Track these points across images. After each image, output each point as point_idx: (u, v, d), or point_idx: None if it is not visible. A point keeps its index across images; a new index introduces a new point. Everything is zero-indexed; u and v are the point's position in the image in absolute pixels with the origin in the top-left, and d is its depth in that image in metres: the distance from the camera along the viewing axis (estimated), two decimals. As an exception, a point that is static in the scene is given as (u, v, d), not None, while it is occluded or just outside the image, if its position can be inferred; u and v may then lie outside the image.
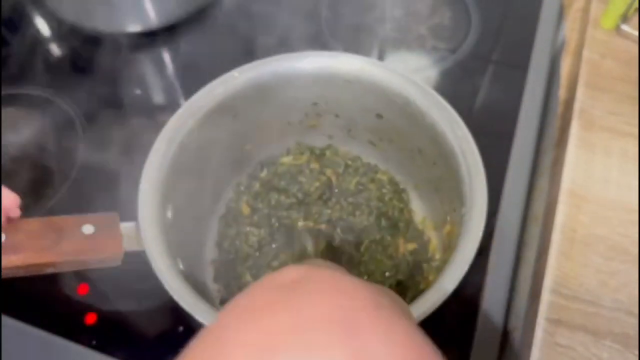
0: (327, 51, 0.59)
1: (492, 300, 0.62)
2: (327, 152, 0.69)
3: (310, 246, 0.64)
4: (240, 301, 0.24)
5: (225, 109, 0.58)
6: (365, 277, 0.63)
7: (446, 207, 0.58)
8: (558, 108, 0.76)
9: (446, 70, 0.83)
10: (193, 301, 0.45)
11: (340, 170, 0.70)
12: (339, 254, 0.64)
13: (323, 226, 0.65)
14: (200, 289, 0.51)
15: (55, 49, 0.90)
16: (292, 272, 0.24)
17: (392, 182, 0.70)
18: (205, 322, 0.43)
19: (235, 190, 0.71)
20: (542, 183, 0.72)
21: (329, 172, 0.70)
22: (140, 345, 0.57)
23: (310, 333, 0.20)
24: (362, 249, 0.64)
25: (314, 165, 0.68)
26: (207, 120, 0.57)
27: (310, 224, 0.66)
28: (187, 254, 0.54)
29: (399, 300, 0.27)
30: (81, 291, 0.60)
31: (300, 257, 0.64)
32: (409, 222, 0.67)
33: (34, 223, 0.43)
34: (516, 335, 0.62)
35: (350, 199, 0.67)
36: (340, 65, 0.58)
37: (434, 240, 0.65)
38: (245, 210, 0.67)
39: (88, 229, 0.45)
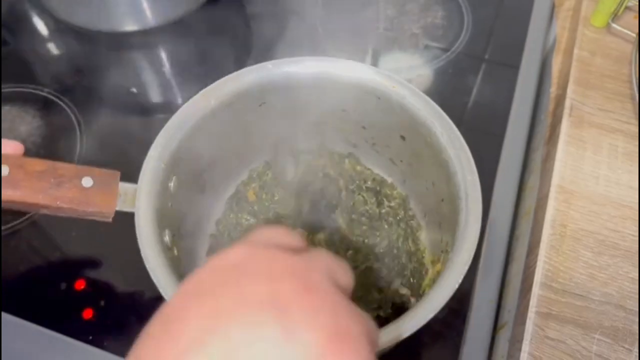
0: (365, 65, 0.59)
1: (483, 296, 0.63)
2: (347, 161, 0.68)
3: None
4: (188, 284, 0.26)
5: (253, 96, 0.58)
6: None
7: (443, 245, 0.57)
8: (549, 105, 0.77)
9: (439, 68, 0.84)
10: (161, 270, 0.47)
11: (355, 182, 0.69)
12: None
13: (321, 236, 0.64)
14: (189, 259, 0.55)
15: (53, 48, 0.91)
16: (235, 254, 0.26)
17: (405, 206, 0.69)
18: (165, 296, 0.45)
19: (249, 174, 0.70)
20: (533, 180, 0.73)
21: (342, 181, 0.68)
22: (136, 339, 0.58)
23: (247, 312, 0.22)
24: (355, 272, 0.63)
25: (330, 171, 0.67)
26: (233, 103, 0.57)
27: (306, 233, 0.64)
28: (184, 225, 0.56)
29: (340, 275, 0.29)
30: (78, 286, 0.61)
31: None
32: (412, 254, 0.63)
33: (38, 164, 0.45)
34: (507, 329, 0.62)
35: (357, 215, 0.66)
36: (373, 80, 0.58)
37: (430, 274, 0.63)
38: (251, 196, 0.66)
39: (87, 181, 0.46)
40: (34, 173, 0.44)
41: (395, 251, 0.64)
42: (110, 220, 0.48)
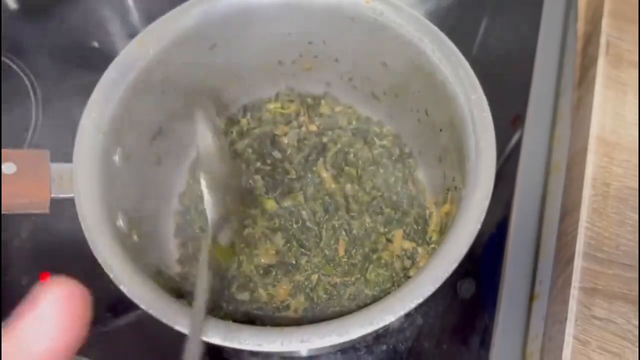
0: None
1: (515, 269, 0.56)
2: (323, 102, 0.60)
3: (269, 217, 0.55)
4: None
5: (200, 37, 0.50)
6: (352, 282, 0.53)
7: (449, 182, 0.51)
8: (577, 43, 0.67)
9: (448, 5, 0.72)
10: (115, 260, 0.41)
11: (337, 126, 0.60)
12: (311, 242, 0.54)
13: (300, 198, 0.55)
14: (154, 244, 0.51)
15: (4, 3, 0.77)
16: None
17: (399, 142, 0.59)
18: (126, 290, 0.40)
19: None
20: (561, 130, 0.64)
21: (321, 127, 0.60)
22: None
23: None
24: (350, 245, 0.54)
25: (304, 118, 0.60)
26: (176, 48, 0.49)
27: (286, 200, 0.55)
28: (142, 205, 0.50)
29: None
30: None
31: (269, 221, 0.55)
32: (414, 197, 0.57)
33: None
34: (540, 303, 0.55)
35: (345, 163, 0.58)
36: (344, -2, 0.48)
37: (434, 218, 0.56)
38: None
39: (9, 167, 0.40)
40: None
41: (394, 198, 0.55)
42: (47, 211, 0.43)
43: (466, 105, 0.46)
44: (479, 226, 0.42)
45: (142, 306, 0.40)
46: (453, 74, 0.47)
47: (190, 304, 0.48)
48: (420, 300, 0.40)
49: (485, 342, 0.55)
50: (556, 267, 0.56)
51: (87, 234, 0.42)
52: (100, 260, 0.42)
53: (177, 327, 0.39)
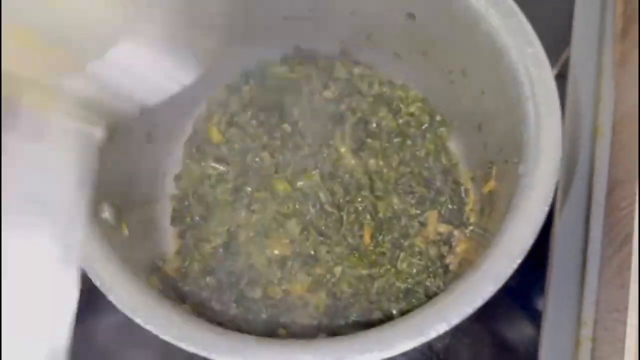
0: None
1: (564, 243, 0.49)
2: (338, 64, 0.52)
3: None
4: None
5: None
6: (380, 274, 0.47)
7: (493, 154, 0.44)
8: None
9: None
10: (102, 265, 0.35)
11: (356, 91, 0.52)
12: (332, 229, 0.47)
13: (316, 177, 0.48)
14: (148, 235, 0.45)
15: None
16: None
17: (429, 109, 0.51)
18: (117, 303, 0.34)
19: (207, 106, 0.53)
20: (605, 88, 0.56)
21: (337, 94, 0.52)
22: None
23: None
24: (376, 231, 0.47)
25: (317, 83, 0.52)
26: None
27: (300, 180, 0.48)
28: (133, 191, 0.45)
29: None
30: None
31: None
32: (447, 172, 0.49)
33: None
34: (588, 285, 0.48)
35: (367, 135, 0.50)
36: None
37: (471, 195, 0.49)
38: (215, 136, 0.51)
39: None
40: None
41: (425, 174, 0.47)
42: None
43: (520, 61, 0.39)
44: (546, 210, 0.34)
45: (139, 321, 0.33)
46: (502, 24, 0.39)
47: (193, 308, 0.41)
48: (479, 303, 0.32)
49: (532, 336, 0.48)
50: (608, 246, 0.50)
51: None
52: (82, 265, 0.34)
53: (182, 345, 0.32)
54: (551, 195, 0.35)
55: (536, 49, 0.38)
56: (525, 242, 0.33)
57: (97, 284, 0.34)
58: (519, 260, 0.33)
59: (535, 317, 0.48)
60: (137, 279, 0.35)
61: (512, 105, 0.39)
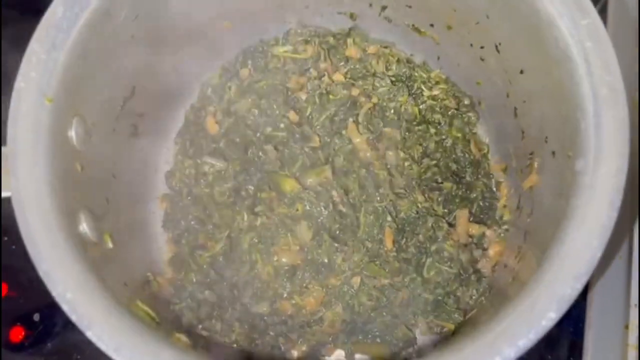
0: None
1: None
2: (349, 41, 0.47)
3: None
4: None
5: None
6: (404, 283, 0.41)
7: (534, 144, 0.39)
8: None
9: None
10: (78, 295, 0.29)
11: (370, 72, 0.46)
12: (347, 233, 0.41)
13: (327, 172, 0.42)
14: (137, 245, 0.41)
15: None
16: None
17: (455, 91, 0.46)
18: (91, 336, 0.29)
19: (200, 93, 0.48)
20: None
21: (349, 76, 0.46)
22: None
23: None
24: (398, 234, 0.41)
25: (325, 65, 0.46)
26: None
27: (309, 177, 0.42)
28: (116, 194, 0.39)
29: None
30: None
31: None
32: (477, 164, 0.44)
33: None
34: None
35: (384, 122, 0.44)
36: None
37: (503, 189, 0.43)
38: (211, 127, 0.45)
39: None
40: None
41: (453, 167, 0.41)
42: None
43: (574, 34, 0.32)
44: (614, 216, 0.28)
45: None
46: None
47: (188, 334, 0.35)
48: (540, 333, 0.27)
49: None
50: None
51: (32, 253, 0.30)
52: (54, 294, 0.28)
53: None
54: (620, 198, 0.29)
55: (592, 19, 0.32)
56: (592, 257, 0.28)
57: (73, 318, 0.28)
58: (585, 279, 0.27)
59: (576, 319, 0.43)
60: (121, 309, 0.29)
61: (561, 87, 0.33)
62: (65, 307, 0.28)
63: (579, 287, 0.27)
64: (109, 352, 0.27)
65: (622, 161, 0.30)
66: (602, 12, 0.48)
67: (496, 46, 0.40)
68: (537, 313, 0.27)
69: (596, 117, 0.31)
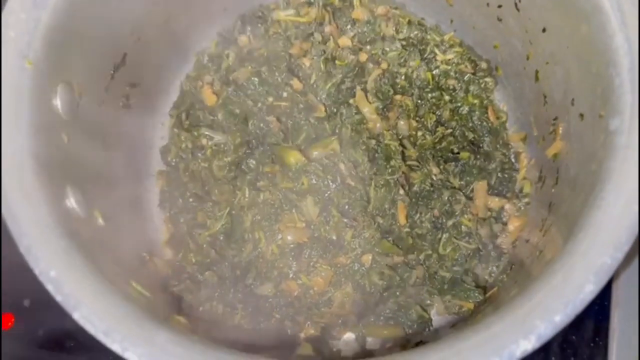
0: None
1: None
2: (355, 2, 0.44)
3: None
4: None
5: None
6: (419, 261, 0.39)
7: (558, 108, 0.36)
8: None
9: None
10: (65, 274, 0.27)
11: (380, 36, 0.43)
12: (357, 208, 0.39)
13: (334, 145, 0.39)
14: (130, 222, 0.38)
15: None
16: None
17: (470, 55, 0.43)
18: (78, 318, 0.26)
19: (196, 62, 0.45)
20: None
21: (356, 41, 0.43)
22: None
23: None
24: (412, 209, 0.39)
25: (330, 28, 0.43)
26: None
27: (315, 149, 0.39)
28: (107, 169, 0.37)
29: None
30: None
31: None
32: (495, 132, 0.41)
33: None
34: None
35: (395, 90, 0.42)
36: None
37: (523, 159, 0.41)
38: (208, 98, 0.42)
39: None
40: None
41: (470, 136, 0.39)
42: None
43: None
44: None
45: (115, 348, 0.24)
46: None
47: (188, 317, 0.33)
48: (578, 306, 0.24)
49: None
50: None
51: (12, 228, 0.28)
52: (37, 272, 0.26)
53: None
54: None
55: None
56: (633, 222, 0.25)
57: (58, 298, 0.25)
58: (627, 247, 0.25)
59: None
60: (113, 289, 0.27)
61: (590, 43, 0.30)
62: (49, 287, 0.26)
63: (619, 256, 0.25)
64: (98, 335, 0.25)
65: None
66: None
67: (515, 3, 0.37)
68: (574, 286, 0.25)
69: (632, 71, 0.28)
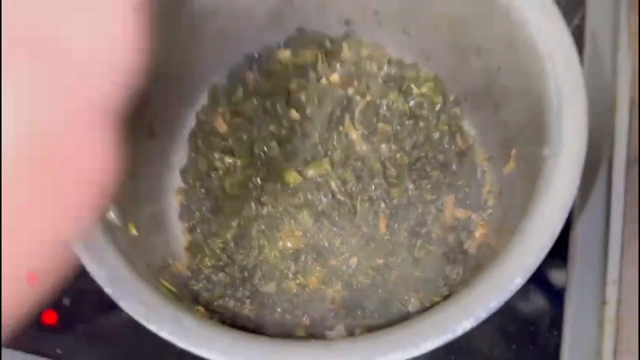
0: None
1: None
2: (344, 45, 0.49)
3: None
4: None
5: None
6: (397, 263, 0.45)
7: (512, 134, 0.43)
8: None
9: None
10: (113, 273, 0.33)
11: (365, 73, 0.49)
12: (345, 219, 0.45)
13: (325, 166, 0.46)
14: (158, 234, 0.44)
15: None
16: None
17: (441, 88, 0.49)
18: (123, 305, 0.33)
19: (211, 96, 0.50)
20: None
21: (345, 78, 0.49)
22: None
23: None
24: (392, 219, 0.45)
25: (323, 67, 0.49)
26: None
27: (310, 169, 0.46)
28: (137, 188, 0.43)
29: None
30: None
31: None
32: (463, 154, 0.47)
33: None
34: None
35: (377, 119, 0.48)
36: None
37: (488, 176, 0.46)
38: (221, 126, 0.48)
39: None
40: None
41: (440, 158, 0.45)
42: None
43: (538, 34, 0.36)
44: (574, 192, 0.33)
45: (152, 328, 0.31)
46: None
47: (206, 308, 0.40)
48: (506, 296, 0.31)
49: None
50: (630, 224, 0.48)
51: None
52: (89, 269, 0.33)
53: (200, 353, 0.31)
54: (579, 177, 0.33)
55: (558, 25, 0.36)
56: (554, 228, 0.32)
57: (109, 291, 0.32)
58: (547, 249, 0.32)
59: (556, 294, 0.47)
60: (147, 284, 0.34)
61: (531, 84, 0.37)
62: (100, 281, 0.33)
63: (542, 256, 0.31)
64: (139, 318, 0.32)
65: (582, 145, 0.33)
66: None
67: (477, 47, 0.43)
68: (506, 279, 0.32)
69: (559, 109, 0.34)
